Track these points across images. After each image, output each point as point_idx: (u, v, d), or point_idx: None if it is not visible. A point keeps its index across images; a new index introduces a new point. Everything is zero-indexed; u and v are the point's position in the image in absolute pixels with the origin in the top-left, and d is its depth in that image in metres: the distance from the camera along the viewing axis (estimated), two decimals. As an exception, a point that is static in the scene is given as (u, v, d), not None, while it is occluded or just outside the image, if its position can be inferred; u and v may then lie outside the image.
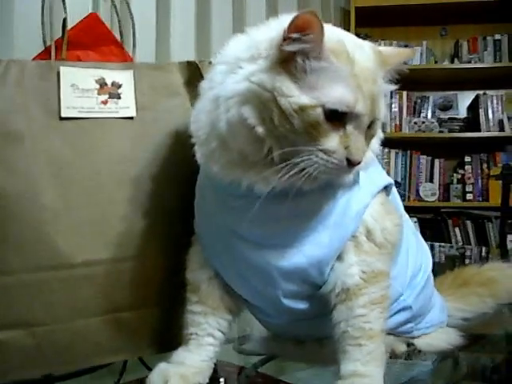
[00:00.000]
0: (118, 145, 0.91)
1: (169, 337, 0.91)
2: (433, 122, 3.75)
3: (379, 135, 0.81)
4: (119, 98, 0.92)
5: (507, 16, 3.64)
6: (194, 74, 0.96)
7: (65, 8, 0.93)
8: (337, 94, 0.69)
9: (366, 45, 0.77)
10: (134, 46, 1.00)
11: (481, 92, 3.78)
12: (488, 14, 3.68)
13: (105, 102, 0.91)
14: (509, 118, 3.68)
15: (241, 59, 0.73)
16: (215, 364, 0.86)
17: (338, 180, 0.76)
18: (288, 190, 0.72)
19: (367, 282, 0.80)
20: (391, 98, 3.84)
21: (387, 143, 3.83)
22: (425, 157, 3.84)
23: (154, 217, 0.93)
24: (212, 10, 2.48)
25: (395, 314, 0.92)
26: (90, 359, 0.89)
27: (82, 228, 0.87)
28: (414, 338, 0.98)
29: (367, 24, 3.79)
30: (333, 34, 0.73)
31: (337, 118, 0.69)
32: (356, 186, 0.81)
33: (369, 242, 0.81)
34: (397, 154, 3.85)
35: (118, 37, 1.01)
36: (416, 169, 3.82)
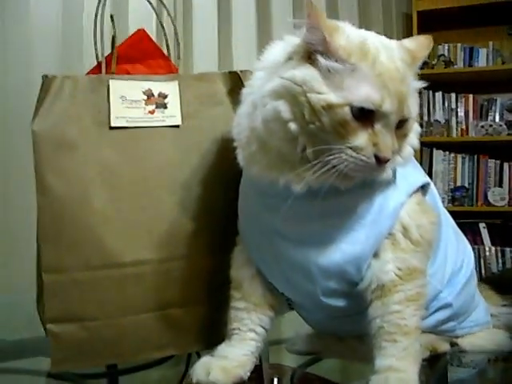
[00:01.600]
0: (165, 152, 0.97)
1: (215, 333, 0.94)
2: (501, 125, 3.64)
3: (416, 129, 0.83)
4: (165, 107, 0.98)
5: None
6: (236, 84, 1.01)
7: (113, 26, 1.00)
8: (362, 93, 0.71)
9: (394, 44, 0.79)
10: (179, 58, 1.06)
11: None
12: (557, 10, 3.55)
13: (152, 112, 0.97)
14: None
15: (278, 63, 0.77)
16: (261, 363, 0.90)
17: (370, 177, 0.77)
18: (323, 189, 0.75)
19: (402, 278, 0.81)
20: (456, 101, 3.77)
21: (453, 148, 3.77)
22: (493, 161, 3.74)
23: (199, 219, 0.98)
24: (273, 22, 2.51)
25: (435, 311, 0.92)
26: (140, 354, 0.95)
27: (130, 230, 0.93)
28: (457, 337, 0.98)
29: (430, 28, 3.71)
30: (354, 34, 0.76)
31: (364, 116, 0.71)
32: (392, 184, 0.82)
33: (405, 239, 0.82)
34: (463, 158, 3.77)
35: (165, 50, 1.07)
36: (484, 173, 3.72)
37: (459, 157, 3.77)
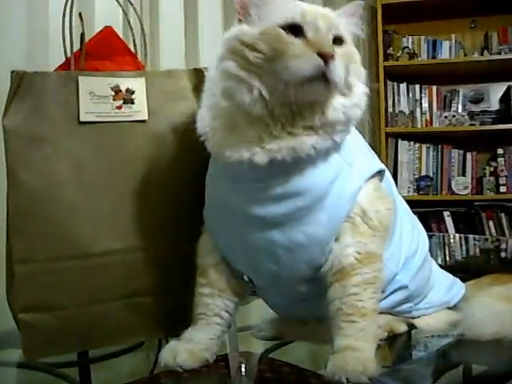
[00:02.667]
0: (132, 146, 1.00)
1: (184, 319, 0.97)
2: (463, 116, 3.74)
3: (361, 74, 0.87)
4: (133, 103, 1.01)
5: (538, 5, 3.61)
6: (201, 80, 1.03)
7: (82, 24, 1.03)
8: (285, 13, 0.80)
9: None
10: (146, 55, 1.09)
11: (512, 83, 3.75)
12: (518, 3, 3.64)
13: (120, 107, 1.00)
14: (542, 109, 3.64)
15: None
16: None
17: (320, 87, 0.79)
18: (285, 161, 0.80)
19: (361, 262, 0.86)
20: (420, 92, 3.86)
21: (418, 138, 3.85)
22: (456, 150, 3.84)
23: (166, 209, 1.01)
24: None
25: (391, 293, 0.97)
26: (111, 341, 0.99)
27: (99, 222, 0.97)
28: (413, 318, 1.04)
29: (394, 20, 3.81)
30: None
31: (295, 32, 0.78)
32: (348, 168, 0.87)
33: (363, 223, 0.87)
34: (428, 148, 3.86)
35: (132, 48, 1.10)
36: (448, 163, 3.82)
37: (424, 147, 3.86)
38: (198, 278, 0.96)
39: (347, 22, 0.87)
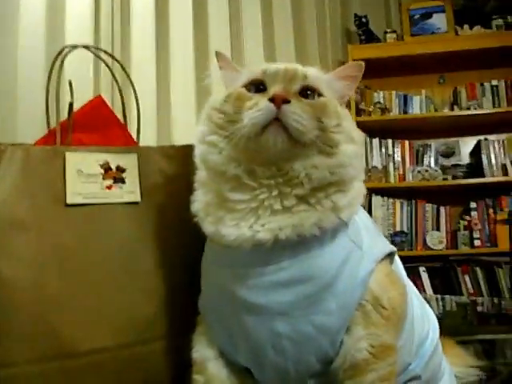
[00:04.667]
0: (124, 231, 0.91)
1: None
2: (436, 170, 3.75)
3: (349, 133, 0.80)
4: (124, 182, 0.92)
5: (503, 62, 3.69)
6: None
7: (71, 92, 0.94)
8: (251, 73, 0.82)
9: None
10: (139, 128, 1.00)
11: (482, 137, 3.80)
12: (484, 60, 3.73)
13: (109, 187, 0.91)
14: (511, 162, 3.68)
15: None
16: None
17: (274, 131, 0.75)
18: (291, 241, 0.75)
19: (376, 357, 0.78)
20: (393, 147, 3.86)
21: (392, 193, 3.84)
22: (430, 205, 3.83)
23: (160, 301, 0.92)
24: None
25: None
26: None
27: (85, 316, 0.86)
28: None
29: (365, 76, 3.76)
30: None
31: (257, 88, 0.80)
32: (358, 250, 0.80)
33: (376, 312, 0.80)
34: (402, 203, 3.84)
35: (121, 119, 1.02)
36: (422, 217, 3.81)
37: (397, 202, 3.84)
38: (195, 375, 0.86)
39: (338, 84, 0.84)
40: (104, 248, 0.89)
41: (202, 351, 0.86)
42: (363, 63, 0.86)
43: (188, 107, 1.92)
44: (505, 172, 3.68)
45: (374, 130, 3.77)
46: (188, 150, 0.97)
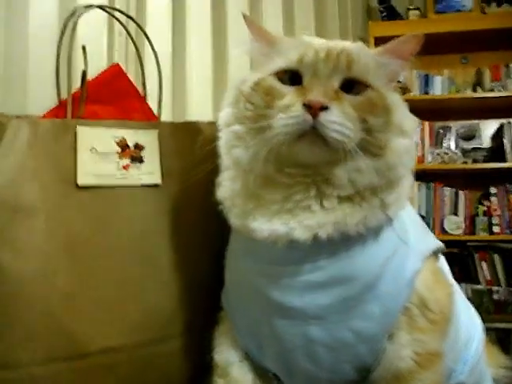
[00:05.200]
0: (142, 217, 0.81)
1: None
2: (456, 153, 3.63)
3: (399, 126, 0.69)
4: (142, 161, 0.82)
5: (529, 42, 3.55)
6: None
7: (85, 59, 0.83)
8: (284, 58, 0.69)
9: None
10: (160, 101, 0.89)
11: (505, 121, 3.66)
12: (509, 41, 3.58)
13: (126, 168, 0.81)
14: (534, 148, 3.55)
15: None
16: None
17: (309, 145, 0.65)
18: (333, 241, 0.67)
19: (421, 366, 0.71)
20: (413, 128, 3.74)
21: (410, 175, 3.72)
22: (449, 189, 3.71)
23: (180, 294, 0.84)
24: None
25: None
26: None
27: (98, 311, 0.78)
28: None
29: (386, 54, 3.69)
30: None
31: (293, 80, 0.67)
32: (404, 247, 0.73)
33: (422, 316, 0.72)
34: (420, 186, 3.72)
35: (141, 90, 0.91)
36: (440, 201, 3.69)
37: (415, 184, 3.72)
38: (217, 379, 0.79)
39: (389, 63, 0.72)
40: (119, 236, 0.80)
41: (225, 353, 0.80)
42: (422, 35, 0.74)
43: (205, 79, 1.80)
44: (527, 157, 3.54)
45: (393, 111, 3.64)
46: (216, 128, 0.87)
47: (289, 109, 0.64)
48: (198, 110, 1.68)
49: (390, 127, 0.68)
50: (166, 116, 0.92)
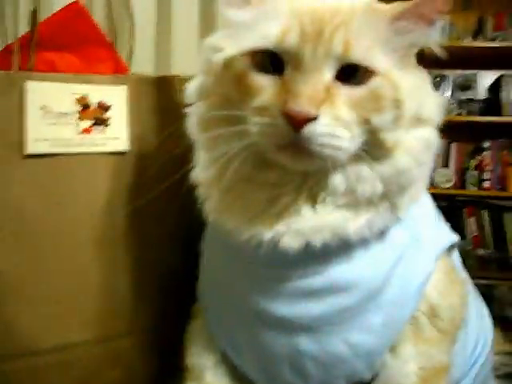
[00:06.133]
0: (103, 190, 0.69)
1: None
2: (452, 103, 3.50)
3: (413, 115, 0.55)
4: (107, 124, 0.68)
5: (536, -10, 3.38)
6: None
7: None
8: (260, 32, 0.52)
9: None
10: (131, 49, 0.74)
11: (504, 72, 3.53)
12: (515, -14, 3.41)
13: (88, 131, 0.67)
14: (532, 102, 3.44)
15: None
16: None
17: (291, 161, 0.53)
18: (329, 248, 0.56)
19: (426, 381, 0.63)
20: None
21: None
22: (441, 140, 3.60)
23: (146, 283, 0.73)
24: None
25: None
26: None
27: (51, 303, 0.67)
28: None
29: (384, -3, 3.50)
30: None
31: (275, 66, 0.52)
32: (415, 245, 0.62)
33: (431, 326, 0.64)
34: (411, 136, 3.62)
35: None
36: (431, 153, 3.60)
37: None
38: (189, 383, 0.69)
39: (405, 31, 0.54)
40: (77, 214, 0.68)
41: (199, 355, 0.70)
42: None
43: (190, 33, 1.62)
44: (524, 112, 3.43)
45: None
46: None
47: (264, 112, 0.51)
48: (185, 63, 1.51)
49: (402, 122, 0.54)
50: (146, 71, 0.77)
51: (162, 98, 0.71)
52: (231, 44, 0.54)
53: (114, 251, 0.69)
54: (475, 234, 3.49)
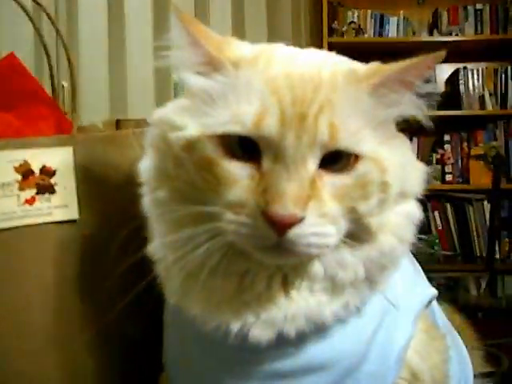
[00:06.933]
0: (51, 266, 0.62)
1: None
2: (415, 102, 3.50)
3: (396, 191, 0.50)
4: (52, 192, 0.62)
5: (488, -18, 3.39)
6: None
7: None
8: (232, 112, 0.46)
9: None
10: (74, 101, 0.67)
11: (461, 66, 3.54)
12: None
13: (31, 201, 0.61)
14: (490, 94, 3.45)
15: None
16: None
17: (273, 259, 0.48)
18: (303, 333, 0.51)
19: None
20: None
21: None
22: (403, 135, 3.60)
23: (105, 354, 0.66)
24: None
25: None
26: None
27: None
28: None
29: (339, -5, 3.47)
30: (252, 47, 0.52)
31: (250, 152, 0.46)
32: (394, 311, 0.58)
33: None
34: (372, 133, 3.61)
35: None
36: (393, 149, 3.59)
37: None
38: None
39: (387, 101, 0.50)
40: (30, 290, 0.60)
41: None
42: (443, 54, 0.54)
43: (146, 79, 1.55)
44: (482, 104, 3.45)
45: (347, 52, 3.45)
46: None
47: (241, 210, 0.45)
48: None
49: (388, 204, 0.50)
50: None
51: (113, 158, 0.65)
52: (193, 122, 0.47)
53: (70, 326, 0.63)
54: (440, 227, 3.51)
